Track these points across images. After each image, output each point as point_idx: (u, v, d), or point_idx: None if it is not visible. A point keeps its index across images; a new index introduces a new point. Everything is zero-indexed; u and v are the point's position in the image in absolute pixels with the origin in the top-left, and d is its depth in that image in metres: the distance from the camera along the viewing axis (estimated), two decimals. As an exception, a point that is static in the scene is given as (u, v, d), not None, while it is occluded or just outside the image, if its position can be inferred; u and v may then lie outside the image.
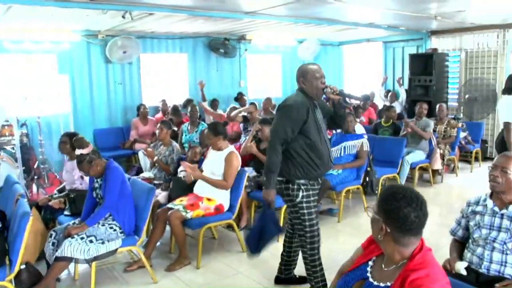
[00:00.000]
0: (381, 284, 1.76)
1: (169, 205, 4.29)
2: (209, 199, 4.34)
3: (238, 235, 4.57)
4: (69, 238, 3.52)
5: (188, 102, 8.29)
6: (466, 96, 8.70)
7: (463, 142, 7.74)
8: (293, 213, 3.38)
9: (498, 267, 2.50)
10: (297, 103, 3.17)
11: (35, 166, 6.84)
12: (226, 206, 4.42)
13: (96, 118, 8.15)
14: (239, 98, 9.05)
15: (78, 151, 3.83)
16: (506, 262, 2.49)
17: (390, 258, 1.76)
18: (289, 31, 8.54)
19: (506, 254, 2.49)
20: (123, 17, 5.73)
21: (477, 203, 2.72)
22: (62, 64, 7.66)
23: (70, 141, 4.61)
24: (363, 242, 2.04)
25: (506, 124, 4.59)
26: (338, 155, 5.42)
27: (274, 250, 4.59)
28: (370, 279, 1.82)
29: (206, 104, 8.44)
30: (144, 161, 5.67)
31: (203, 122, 6.81)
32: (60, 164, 7.44)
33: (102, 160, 3.90)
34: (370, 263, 1.89)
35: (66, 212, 4.36)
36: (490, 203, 2.62)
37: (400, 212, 1.67)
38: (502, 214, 2.56)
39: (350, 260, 2.09)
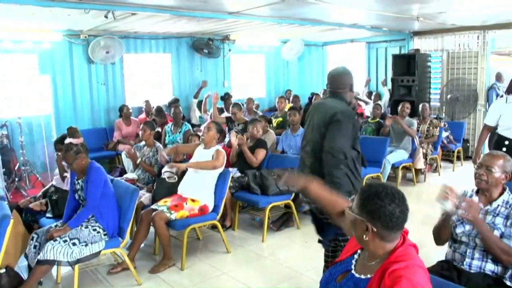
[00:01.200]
0: (362, 276, 1.78)
1: (153, 206, 4.26)
2: (193, 200, 4.32)
3: (223, 236, 4.56)
4: (52, 241, 3.47)
5: (176, 101, 8.24)
6: (448, 96, 8.84)
7: (445, 142, 7.87)
8: None
9: (480, 263, 2.54)
10: (352, 113, 3.06)
11: (16, 168, 6.74)
12: (210, 207, 4.41)
13: (78, 119, 8.01)
14: (226, 98, 9.00)
15: (68, 140, 3.81)
16: (487, 258, 2.53)
17: (373, 254, 1.78)
18: (273, 31, 8.53)
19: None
20: (106, 17, 5.65)
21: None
22: (44, 64, 7.54)
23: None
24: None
25: (484, 125, 4.88)
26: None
27: (259, 250, 4.62)
28: (353, 271, 1.84)
29: (194, 104, 8.46)
30: (127, 162, 5.64)
31: (186, 123, 6.78)
32: (43, 165, 7.36)
33: (87, 158, 3.89)
34: (356, 256, 1.91)
35: (48, 214, 4.31)
36: (476, 199, 2.66)
37: (386, 210, 1.68)
38: (486, 210, 2.60)
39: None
